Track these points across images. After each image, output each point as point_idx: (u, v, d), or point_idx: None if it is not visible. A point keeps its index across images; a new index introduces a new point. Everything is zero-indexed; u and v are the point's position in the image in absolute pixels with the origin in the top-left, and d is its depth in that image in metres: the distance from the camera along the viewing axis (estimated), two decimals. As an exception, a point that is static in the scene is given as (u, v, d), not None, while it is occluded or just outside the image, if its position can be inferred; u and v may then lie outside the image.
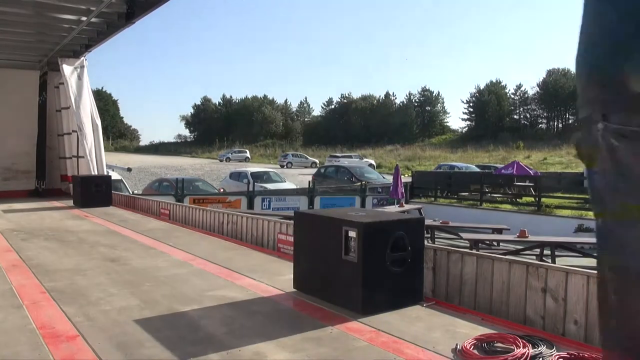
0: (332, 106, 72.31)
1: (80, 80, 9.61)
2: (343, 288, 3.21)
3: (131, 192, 13.50)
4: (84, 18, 7.83)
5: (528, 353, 2.42)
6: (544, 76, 64.16)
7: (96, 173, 9.24)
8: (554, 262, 8.50)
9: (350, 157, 39.88)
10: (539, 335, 2.72)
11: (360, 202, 16.27)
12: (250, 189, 17.14)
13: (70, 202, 8.93)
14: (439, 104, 71.22)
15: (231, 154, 56.42)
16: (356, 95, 71.37)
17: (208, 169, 43.03)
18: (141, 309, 3.18)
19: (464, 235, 10.67)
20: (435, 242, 10.96)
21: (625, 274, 0.82)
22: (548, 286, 3.12)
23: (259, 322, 2.99)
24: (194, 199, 15.05)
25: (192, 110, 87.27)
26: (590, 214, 16.93)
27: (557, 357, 2.41)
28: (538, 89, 64.04)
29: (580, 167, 33.77)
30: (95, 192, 8.57)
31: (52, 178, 10.84)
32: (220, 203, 15.44)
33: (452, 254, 3.71)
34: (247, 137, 70.77)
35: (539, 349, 2.49)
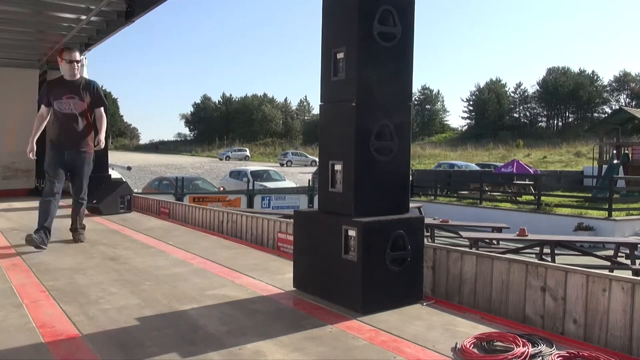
0: (332, 104, 72.49)
1: (80, 79, 9.60)
2: (343, 287, 3.21)
3: (131, 191, 13.48)
4: (83, 17, 7.83)
5: (528, 352, 2.43)
6: (544, 74, 64.15)
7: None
8: (553, 260, 8.51)
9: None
10: (538, 334, 2.72)
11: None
12: (250, 187, 17.15)
13: (70, 201, 8.91)
14: (439, 103, 71.26)
15: (231, 152, 56.41)
16: (356, 93, 71.30)
17: (208, 167, 43.05)
18: (141, 308, 3.18)
19: (463, 233, 10.69)
20: (435, 241, 10.98)
21: None
22: (547, 285, 3.12)
23: (259, 321, 2.99)
24: (193, 198, 15.07)
25: (192, 109, 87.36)
26: (590, 212, 17.02)
27: (557, 356, 2.41)
28: (538, 88, 64.05)
29: (580, 166, 33.79)
30: (96, 191, 8.54)
31: (52, 177, 10.83)
32: (220, 202, 15.47)
33: (452, 253, 3.72)
34: (247, 136, 70.82)
35: (539, 347, 2.49)
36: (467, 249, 4.33)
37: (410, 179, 4.49)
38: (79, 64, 5.16)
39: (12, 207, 8.24)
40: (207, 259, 4.60)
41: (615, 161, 23.18)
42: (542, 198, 18.07)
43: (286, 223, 5.16)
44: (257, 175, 22.68)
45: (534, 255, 9.44)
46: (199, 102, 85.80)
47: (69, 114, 5.09)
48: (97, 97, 5.23)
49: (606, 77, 78.22)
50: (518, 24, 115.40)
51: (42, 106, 5.17)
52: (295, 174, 35.37)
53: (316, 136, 3.96)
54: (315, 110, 75.91)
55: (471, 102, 65.76)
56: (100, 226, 6.60)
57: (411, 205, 3.83)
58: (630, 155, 23.54)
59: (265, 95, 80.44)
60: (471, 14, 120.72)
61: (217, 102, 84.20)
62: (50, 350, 2.53)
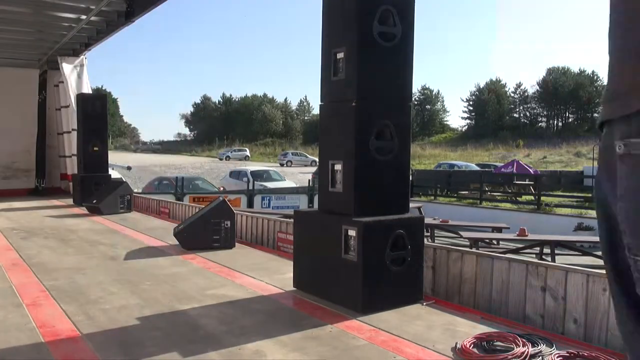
0: (332, 104, 72.58)
1: (80, 78, 9.61)
2: (343, 287, 3.21)
3: (131, 191, 13.48)
4: (83, 17, 7.83)
5: (528, 352, 2.43)
6: (544, 74, 64.15)
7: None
8: (553, 260, 8.51)
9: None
10: (538, 334, 2.72)
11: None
12: (250, 187, 17.14)
13: (70, 201, 8.93)
14: (439, 103, 71.19)
15: (231, 152, 56.39)
16: (356, 93, 71.35)
17: (208, 167, 43.01)
18: (141, 308, 3.19)
19: (463, 233, 10.67)
20: (435, 241, 10.97)
21: None
22: (548, 285, 3.12)
23: (259, 320, 2.99)
24: (193, 198, 15.04)
25: (192, 109, 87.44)
26: (590, 212, 17.02)
27: (557, 355, 2.41)
28: (538, 88, 64.02)
29: (580, 166, 33.79)
30: (95, 190, 8.55)
31: (52, 176, 10.85)
32: (220, 202, 15.43)
33: (452, 253, 3.71)
34: (247, 136, 70.82)
35: (539, 347, 2.49)
36: (467, 249, 4.33)
37: (410, 179, 4.49)
38: None
39: (12, 207, 8.24)
40: (207, 259, 4.60)
41: (615, 161, 23.15)
42: (542, 198, 18.07)
43: (286, 223, 5.16)
44: (257, 175, 22.66)
45: (534, 255, 9.43)
46: (199, 102, 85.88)
47: None
48: None
49: (606, 77, 78.15)
50: (518, 24, 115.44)
51: None
52: (295, 174, 35.35)
53: (316, 136, 3.96)
54: (315, 110, 75.80)
55: (471, 102, 65.72)
56: (100, 226, 6.60)
57: (411, 205, 3.82)
58: (630, 156, 23.49)
59: (265, 95, 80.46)
60: (471, 14, 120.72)
61: (217, 102, 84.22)
62: (50, 350, 2.53)
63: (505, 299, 3.35)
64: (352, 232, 3.12)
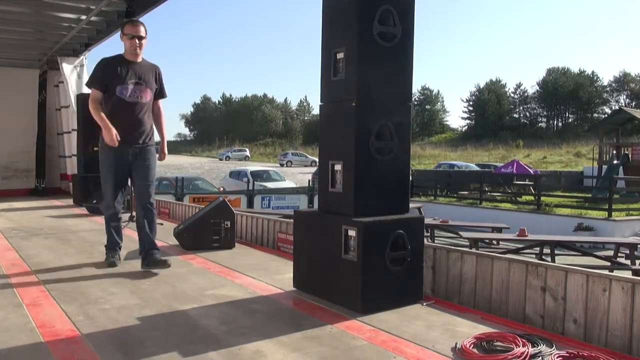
0: (332, 105, 72.89)
1: (80, 79, 9.61)
2: (343, 287, 3.21)
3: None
4: (83, 17, 7.83)
5: (527, 352, 2.43)
6: (544, 75, 64.19)
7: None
8: (553, 260, 8.51)
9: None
10: (538, 334, 2.72)
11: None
12: (250, 187, 17.14)
13: (70, 201, 8.92)
14: (439, 103, 71.26)
15: (231, 152, 56.40)
16: (356, 93, 71.51)
17: (208, 167, 43.01)
18: (141, 308, 3.19)
19: (463, 234, 10.68)
20: (435, 241, 10.97)
21: None
22: (547, 285, 3.13)
23: (259, 320, 2.99)
24: (193, 198, 15.06)
25: (191, 109, 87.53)
26: (590, 212, 16.99)
27: (557, 355, 2.42)
28: (538, 88, 64.05)
29: (580, 166, 33.79)
30: (95, 191, 8.54)
31: (52, 177, 10.84)
32: (220, 202, 15.44)
33: (452, 253, 3.72)
34: (247, 136, 70.83)
35: (539, 347, 2.49)
36: (467, 249, 4.34)
37: (410, 179, 4.50)
38: (145, 41, 4.21)
39: (12, 207, 8.24)
40: (207, 259, 4.60)
41: (615, 161, 23.18)
42: (542, 198, 18.08)
43: (286, 223, 5.16)
44: (257, 176, 22.69)
45: (534, 256, 9.44)
46: (199, 102, 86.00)
47: (134, 102, 4.14)
48: (161, 86, 4.36)
49: (606, 77, 78.32)
50: (518, 24, 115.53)
51: (95, 90, 4.11)
52: (295, 174, 35.36)
53: (316, 136, 3.96)
54: (315, 111, 75.88)
55: (471, 103, 65.77)
56: (100, 226, 6.58)
57: (411, 205, 3.82)
58: (630, 156, 23.54)
59: (265, 95, 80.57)
60: (471, 14, 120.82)
61: (217, 102, 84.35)
62: (50, 350, 2.53)
63: (505, 299, 3.35)
64: (352, 232, 3.12)
